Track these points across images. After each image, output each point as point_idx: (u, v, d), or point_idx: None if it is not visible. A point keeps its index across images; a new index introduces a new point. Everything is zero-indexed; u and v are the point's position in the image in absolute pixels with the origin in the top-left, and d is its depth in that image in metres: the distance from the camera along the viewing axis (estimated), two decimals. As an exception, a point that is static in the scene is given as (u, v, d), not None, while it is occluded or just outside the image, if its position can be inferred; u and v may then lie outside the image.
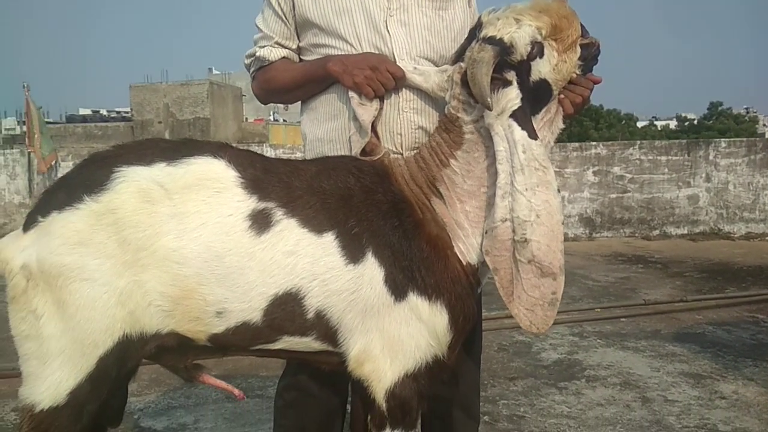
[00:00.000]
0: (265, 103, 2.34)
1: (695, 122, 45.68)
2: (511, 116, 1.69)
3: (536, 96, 1.74)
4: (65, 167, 11.47)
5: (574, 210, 9.85)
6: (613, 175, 9.81)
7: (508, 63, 1.68)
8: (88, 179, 1.64)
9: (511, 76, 1.69)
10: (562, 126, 1.85)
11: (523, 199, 1.67)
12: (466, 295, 1.80)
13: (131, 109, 26.85)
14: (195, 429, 3.37)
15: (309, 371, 2.08)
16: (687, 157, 9.74)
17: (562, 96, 1.80)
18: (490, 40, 1.68)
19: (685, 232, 9.68)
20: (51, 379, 1.60)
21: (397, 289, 1.70)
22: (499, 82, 1.69)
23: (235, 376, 3.98)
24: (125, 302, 1.60)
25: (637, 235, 9.73)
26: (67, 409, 1.60)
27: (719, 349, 4.49)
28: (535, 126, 1.74)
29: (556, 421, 3.36)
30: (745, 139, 10.46)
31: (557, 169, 9.76)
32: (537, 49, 1.70)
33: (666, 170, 9.75)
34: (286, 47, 2.08)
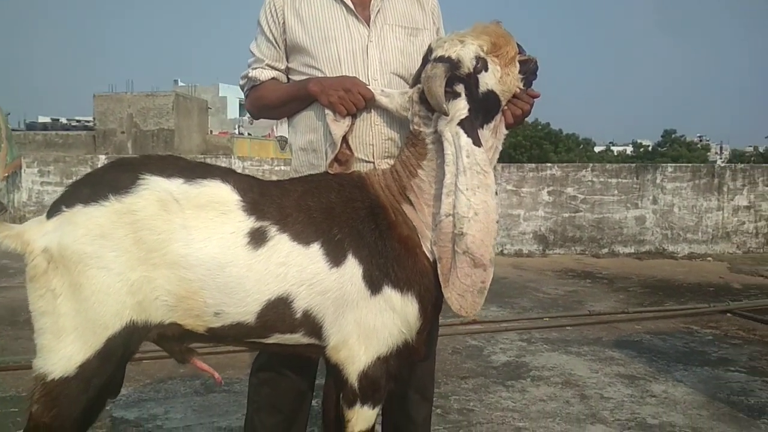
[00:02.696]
0: (257, 119, 2.64)
1: (650, 149, 47.15)
2: (458, 124, 1.96)
3: (486, 106, 2.02)
4: (30, 174, 11.47)
5: (529, 227, 10.27)
6: (566, 196, 10.27)
7: (458, 77, 1.97)
8: (115, 180, 1.85)
9: (460, 88, 1.98)
10: (505, 132, 2.12)
11: (463, 198, 1.92)
12: (433, 287, 2.05)
13: (94, 118, 26.60)
14: (165, 419, 3.57)
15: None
16: (636, 180, 10.27)
17: (505, 108, 2.08)
18: (440, 59, 1.97)
19: (632, 250, 10.18)
20: (63, 352, 1.78)
21: (374, 283, 1.95)
22: (450, 94, 1.97)
23: (203, 372, 4.18)
24: (135, 293, 1.80)
25: (587, 252, 10.20)
26: (75, 381, 1.79)
27: (654, 354, 4.87)
28: (486, 134, 2.03)
29: (502, 414, 3.67)
30: (690, 164, 11.04)
31: (514, 189, 10.18)
32: (481, 64, 1.98)
33: (616, 192, 10.26)
34: (275, 69, 2.38)
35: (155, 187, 1.84)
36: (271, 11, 2.34)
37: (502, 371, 4.46)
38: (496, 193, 2.01)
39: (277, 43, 2.35)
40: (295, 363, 2.36)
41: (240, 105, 47.80)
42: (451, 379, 4.25)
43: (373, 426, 2.11)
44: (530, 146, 34.43)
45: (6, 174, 11.32)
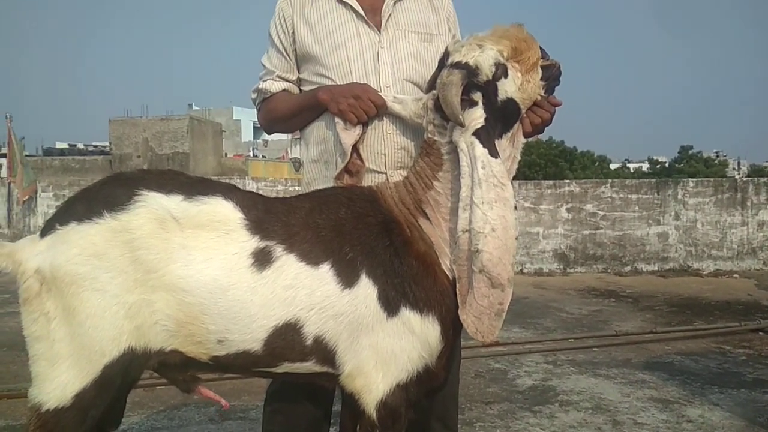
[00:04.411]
0: (270, 133, 2.53)
1: (666, 165, 46.76)
2: (474, 134, 1.82)
3: (505, 114, 1.89)
4: (45, 198, 11.48)
5: (549, 246, 10.08)
6: (586, 212, 10.08)
7: (475, 84, 1.84)
8: (110, 196, 1.73)
9: (478, 97, 1.85)
10: (523, 141, 1.99)
11: (479, 212, 1.78)
12: (454, 307, 1.89)
13: (110, 143, 26.85)
14: (179, 449, 3.43)
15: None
16: (656, 196, 10.06)
17: (524, 115, 1.95)
18: (457, 65, 1.84)
19: (656, 268, 9.94)
20: (58, 380, 1.66)
21: (390, 304, 1.80)
22: (466, 103, 1.84)
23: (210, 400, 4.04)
24: (133, 317, 1.68)
25: (609, 270, 9.97)
26: (71, 411, 1.66)
27: (687, 377, 4.66)
28: (504, 143, 1.90)
29: (531, 442, 3.48)
30: (712, 179, 10.83)
31: (532, 206, 10.01)
32: (501, 70, 1.85)
33: (636, 208, 10.05)
34: (286, 80, 2.28)
35: (153, 204, 1.72)
36: (280, 21, 2.27)
37: (529, 396, 4.27)
38: (516, 208, 1.87)
39: (287, 53, 2.27)
40: (310, 390, 2.22)
41: (254, 128, 48.22)
42: (476, 405, 4.06)
43: None
44: (545, 164, 34.19)
45: (23, 199, 11.36)
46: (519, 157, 2.00)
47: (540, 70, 1.92)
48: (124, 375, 1.72)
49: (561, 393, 4.31)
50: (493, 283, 1.79)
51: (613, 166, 46.98)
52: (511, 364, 5.02)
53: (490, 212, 1.78)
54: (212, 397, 2.05)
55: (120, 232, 1.68)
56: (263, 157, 35.96)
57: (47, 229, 1.73)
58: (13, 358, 4.97)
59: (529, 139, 2.03)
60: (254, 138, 47.51)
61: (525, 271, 9.91)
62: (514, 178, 2.01)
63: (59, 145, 41.69)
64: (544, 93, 1.95)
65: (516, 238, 1.85)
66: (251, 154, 38.05)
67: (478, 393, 4.31)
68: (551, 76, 1.95)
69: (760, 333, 5.96)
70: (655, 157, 52.65)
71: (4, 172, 14.25)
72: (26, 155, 13.50)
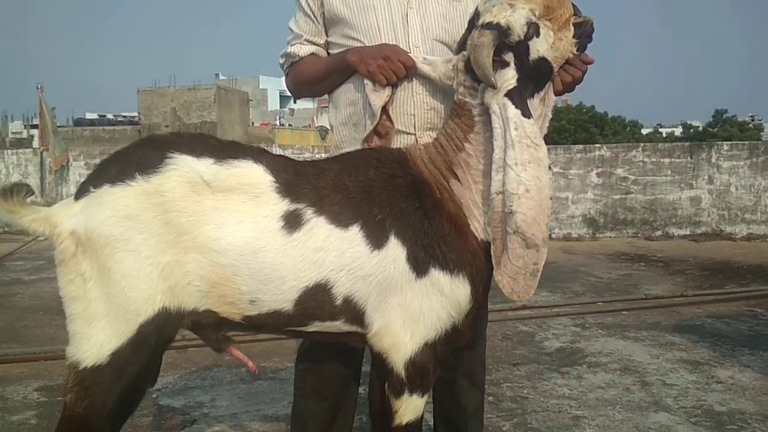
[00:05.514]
0: (298, 97, 2.53)
1: (700, 129, 45.72)
2: (506, 95, 1.80)
3: (537, 74, 1.86)
4: (77, 167, 11.66)
5: (578, 210, 9.97)
6: (616, 177, 9.93)
7: (507, 45, 1.80)
8: (142, 159, 1.74)
9: (509, 57, 1.81)
10: (554, 99, 1.96)
11: (512, 173, 1.76)
12: (484, 267, 1.90)
13: (138, 113, 27.11)
14: (212, 407, 3.51)
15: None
16: (690, 160, 9.87)
17: (555, 74, 1.92)
18: (488, 26, 1.80)
19: (688, 233, 9.79)
20: (95, 339, 1.69)
21: (419, 265, 1.81)
22: (498, 64, 1.81)
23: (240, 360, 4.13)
24: (167, 277, 1.70)
25: (639, 235, 9.85)
26: (108, 369, 1.70)
27: (717, 339, 4.61)
28: (535, 103, 1.87)
29: (558, 402, 3.49)
30: (747, 142, 10.55)
31: (561, 171, 9.89)
32: (533, 29, 1.81)
33: (669, 172, 9.87)
34: (314, 44, 2.28)
35: (184, 167, 1.73)
36: None
37: (556, 357, 4.27)
38: (549, 168, 1.84)
39: (315, 17, 2.25)
40: (339, 349, 2.25)
41: (281, 97, 48.23)
42: (503, 366, 4.09)
43: (422, 415, 1.98)
44: (575, 130, 33.61)
45: (55, 168, 11.57)
46: (551, 116, 1.98)
47: (572, 28, 1.88)
48: (159, 334, 1.75)
49: (589, 355, 4.30)
50: (528, 244, 1.79)
51: (645, 131, 46.06)
52: (539, 327, 5.02)
53: (524, 173, 1.77)
54: (241, 358, 2.08)
55: (152, 194, 1.70)
56: (290, 125, 36.00)
57: (81, 192, 1.75)
58: (49, 321, 5.10)
59: (560, 97, 2.01)
60: (281, 107, 47.53)
61: (553, 236, 9.82)
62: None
63: (89, 115, 42.22)
64: (576, 51, 1.91)
65: (550, 198, 1.83)
66: (278, 122, 38.10)
67: (506, 355, 4.33)
68: (584, 33, 1.91)
69: (794, 296, 5.85)
70: (688, 122, 51.50)
71: (37, 142, 14.51)
72: (58, 126, 13.70)
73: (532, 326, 5.03)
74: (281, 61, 2.36)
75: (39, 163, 11.75)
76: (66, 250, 1.71)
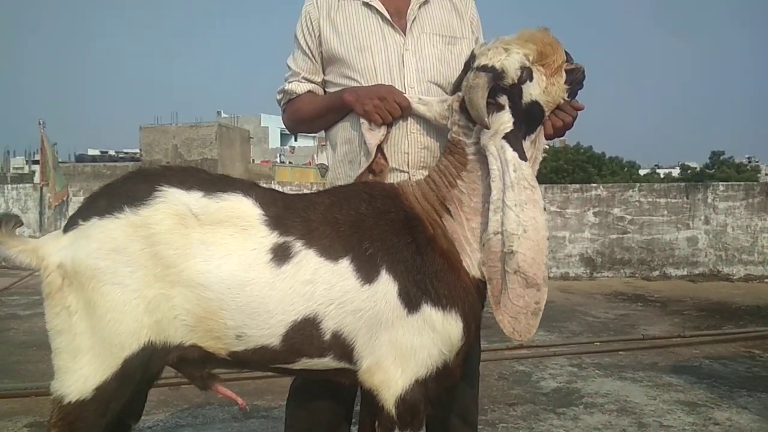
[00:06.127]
0: (294, 133, 2.57)
1: (697, 170, 45.96)
2: (503, 138, 1.84)
3: (529, 117, 1.91)
4: (76, 203, 11.68)
5: (575, 250, 9.98)
6: (613, 216, 9.96)
7: (501, 88, 1.85)
8: (131, 191, 1.76)
9: (504, 100, 1.86)
10: (545, 143, 2.00)
11: (512, 214, 1.79)
12: (476, 304, 1.92)
13: (140, 150, 27.24)
14: (202, 446, 3.46)
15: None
16: (686, 200, 9.91)
17: (546, 118, 1.96)
18: (484, 68, 1.86)
19: (685, 273, 9.78)
20: (79, 373, 1.68)
21: (411, 301, 1.81)
22: (493, 106, 1.85)
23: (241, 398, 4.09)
24: (153, 311, 1.70)
25: (637, 275, 9.83)
26: (93, 404, 1.68)
27: (715, 380, 4.58)
28: (526, 145, 1.90)
29: (554, 443, 3.45)
30: (743, 183, 10.62)
31: (558, 210, 9.93)
32: (526, 74, 1.87)
33: (665, 212, 9.91)
34: (311, 81, 2.32)
35: (173, 200, 1.74)
36: (307, 24, 2.31)
37: (553, 398, 4.23)
38: (545, 209, 1.88)
39: (313, 55, 2.31)
40: (331, 387, 2.23)
41: (282, 134, 48.55)
42: (499, 406, 4.04)
43: None
44: (573, 170, 33.78)
45: (55, 203, 11.60)
46: (540, 159, 2.01)
47: (564, 74, 1.94)
48: (145, 369, 1.74)
49: (585, 395, 4.26)
50: (529, 283, 1.81)
51: (642, 172, 46.28)
52: (535, 366, 4.98)
53: (522, 214, 1.80)
54: (230, 395, 2.05)
55: (140, 227, 1.70)
56: (290, 163, 36.21)
57: (70, 225, 1.76)
58: (41, 357, 5.05)
59: (550, 142, 2.05)
60: (281, 144, 47.82)
61: (551, 275, 9.80)
62: (540, 182, 2.02)
63: (91, 152, 42.40)
64: (568, 97, 1.97)
65: (547, 239, 1.86)
66: (278, 160, 38.33)
67: (502, 395, 4.29)
68: (575, 80, 1.96)
69: (792, 338, 5.82)
70: (686, 163, 51.77)
71: (38, 178, 14.58)
72: (59, 162, 13.79)
73: (529, 366, 4.99)
74: (278, 97, 2.40)
75: (39, 198, 11.79)
76: (52, 283, 1.71)
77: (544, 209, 1.88)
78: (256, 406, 3.99)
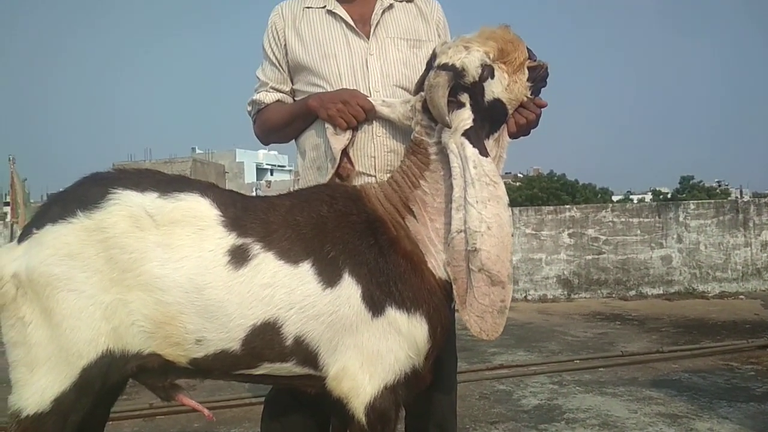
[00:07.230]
0: (266, 144, 2.54)
1: (669, 196, 46.69)
2: (463, 135, 1.83)
3: (492, 115, 1.91)
4: (47, 239, 11.47)
5: (552, 272, 10.00)
6: (587, 237, 10.03)
7: (462, 86, 1.85)
8: (84, 195, 1.72)
9: (465, 98, 1.86)
10: (509, 141, 1.99)
11: (474, 211, 1.78)
12: (442, 306, 1.88)
13: (113, 187, 26.97)
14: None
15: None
16: (658, 219, 10.02)
17: (510, 116, 1.96)
18: (444, 67, 1.86)
19: (661, 292, 9.83)
20: (37, 385, 1.63)
21: (375, 304, 1.78)
22: (454, 105, 1.86)
23: (218, 427, 3.99)
24: (110, 318, 1.65)
25: (614, 295, 9.86)
26: (51, 416, 1.63)
27: (695, 393, 4.57)
28: (490, 144, 1.90)
29: (537, 458, 3.40)
30: (713, 200, 10.77)
31: (533, 232, 9.98)
32: (487, 71, 1.87)
33: (638, 232, 10.00)
34: (280, 91, 2.33)
35: (127, 202, 1.71)
36: (273, 34, 2.33)
37: (534, 415, 4.19)
38: (509, 205, 1.86)
39: (280, 65, 2.32)
40: (306, 399, 2.18)
41: (257, 169, 48.51)
42: (480, 425, 3.99)
43: None
44: (547, 198, 34.14)
45: (25, 241, 11.35)
46: (505, 157, 2.01)
47: (527, 71, 1.94)
48: (104, 379, 1.69)
49: (567, 411, 4.23)
50: (493, 281, 1.79)
51: (615, 198, 46.89)
52: (516, 385, 4.94)
53: (485, 211, 1.78)
54: (194, 406, 2.00)
55: (94, 231, 1.67)
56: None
57: (24, 235, 1.73)
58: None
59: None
60: (257, 179, 47.77)
61: (529, 297, 9.83)
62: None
63: (63, 191, 41.89)
64: (531, 94, 1.97)
65: (512, 235, 1.84)
66: (254, 193, 38.25)
67: (483, 414, 4.24)
68: (538, 77, 1.97)
69: (769, 349, 5.86)
70: (657, 188, 52.57)
71: (9, 216, 14.31)
72: (32, 202, 13.58)
73: (510, 385, 4.95)
74: (249, 108, 2.40)
75: (9, 235, 11.56)
76: (6, 294, 1.67)
77: (508, 205, 1.85)
78: (232, 434, 3.90)
